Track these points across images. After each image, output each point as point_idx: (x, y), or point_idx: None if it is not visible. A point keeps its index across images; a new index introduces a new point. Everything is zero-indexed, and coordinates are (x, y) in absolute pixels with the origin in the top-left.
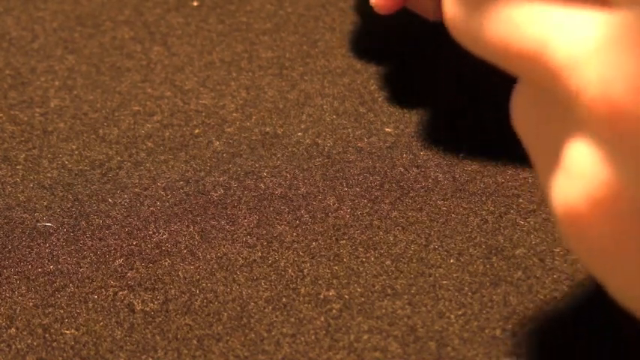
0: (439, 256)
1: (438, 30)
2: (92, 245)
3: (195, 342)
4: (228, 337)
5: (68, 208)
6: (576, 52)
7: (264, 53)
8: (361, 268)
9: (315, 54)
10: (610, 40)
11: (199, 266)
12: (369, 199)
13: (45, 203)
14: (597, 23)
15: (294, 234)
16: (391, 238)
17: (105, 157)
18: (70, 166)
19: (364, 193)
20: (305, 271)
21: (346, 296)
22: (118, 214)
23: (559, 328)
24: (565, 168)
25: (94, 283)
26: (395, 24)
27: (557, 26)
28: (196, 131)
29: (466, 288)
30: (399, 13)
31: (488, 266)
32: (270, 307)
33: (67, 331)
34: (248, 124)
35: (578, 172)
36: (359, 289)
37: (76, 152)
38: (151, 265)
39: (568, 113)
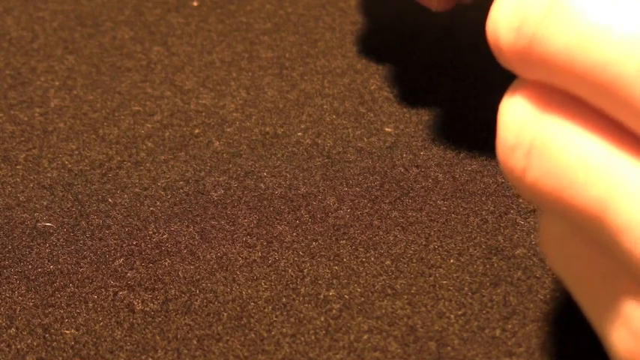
0: (439, 256)
1: (438, 30)
2: (92, 245)
3: (195, 342)
4: (228, 337)
5: (68, 208)
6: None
7: (264, 53)
8: (361, 268)
9: (315, 54)
10: None
11: (199, 266)
12: (369, 199)
13: (45, 203)
14: None
15: (294, 234)
16: (391, 238)
17: (105, 157)
18: (70, 166)
19: (364, 193)
20: (305, 271)
21: (346, 296)
22: (118, 214)
23: (559, 328)
24: (631, 328)
25: (94, 283)
26: (395, 24)
27: (621, 184)
28: (196, 131)
29: (466, 288)
30: (399, 13)
31: (488, 266)
32: (270, 307)
33: (67, 331)
34: (248, 124)
35: None
36: (359, 289)
37: (76, 152)
38: (151, 265)
39: (630, 274)
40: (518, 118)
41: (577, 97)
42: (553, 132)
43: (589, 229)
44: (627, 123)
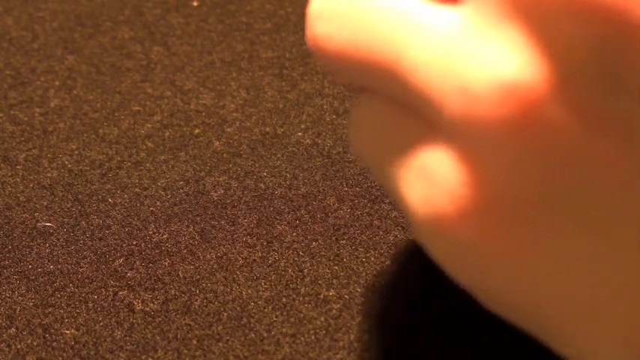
0: None
1: None
2: (92, 245)
3: (195, 342)
4: (228, 337)
5: (68, 208)
6: (429, 57)
7: (264, 53)
8: (361, 268)
9: None
10: (462, 39)
11: (199, 266)
12: (369, 199)
13: (45, 203)
14: (447, 21)
15: (294, 234)
16: (391, 238)
17: (105, 157)
18: (70, 166)
19: (364, 193)
20: (305, 271)
21: (346, 296)
22: (118, 214)
23: None
24: (426, 175)
25: (94, 283)
26: None
27: (407, 28)
28: (196, 131)
29: None
30: None
31: None
32: (270, 307)
33: (67, 331)
34: (248, 124)
35: (442, 178)
36: (359, 289)
37: (76, 152)
38: (151, 265)
39: (420, 119)
40: None
41: None
42: None
43: (388, 89)
44: None
